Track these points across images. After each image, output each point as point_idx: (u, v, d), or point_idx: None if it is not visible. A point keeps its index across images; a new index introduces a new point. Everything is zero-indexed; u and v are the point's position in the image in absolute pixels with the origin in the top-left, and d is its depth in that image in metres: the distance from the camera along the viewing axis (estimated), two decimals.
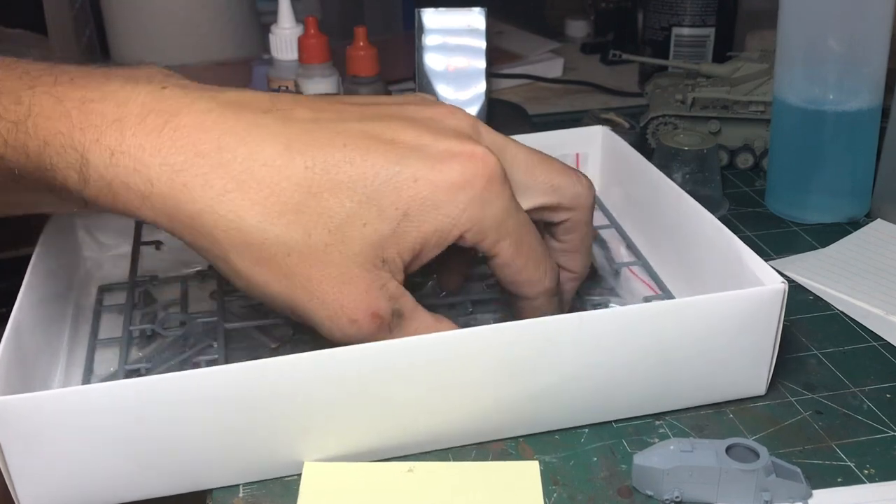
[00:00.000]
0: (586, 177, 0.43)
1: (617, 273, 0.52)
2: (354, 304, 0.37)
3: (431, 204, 0.37)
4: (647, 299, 0.49)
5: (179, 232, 0.36)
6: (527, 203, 0.41)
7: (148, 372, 0.44)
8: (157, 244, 0.55)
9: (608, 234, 0.55)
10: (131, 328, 0.48)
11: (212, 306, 0.51)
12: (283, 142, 0.36)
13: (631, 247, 0.54)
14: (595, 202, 0.44)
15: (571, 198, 0.42)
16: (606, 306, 0.50)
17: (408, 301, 0.39)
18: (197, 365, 0.45)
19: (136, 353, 0.48)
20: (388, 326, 0.38)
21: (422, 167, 0.37)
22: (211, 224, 0.35)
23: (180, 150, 0.35)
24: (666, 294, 0.49)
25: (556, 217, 0.43)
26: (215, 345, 0.47)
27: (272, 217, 0.35)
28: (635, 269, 0.52)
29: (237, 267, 0.36)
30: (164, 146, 0.35)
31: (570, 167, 0.43)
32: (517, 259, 0.40)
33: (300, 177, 0.35)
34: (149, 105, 0.35)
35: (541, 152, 0.42)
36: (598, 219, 0.56)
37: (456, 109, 0.41)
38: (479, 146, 0.38)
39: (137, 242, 0.54)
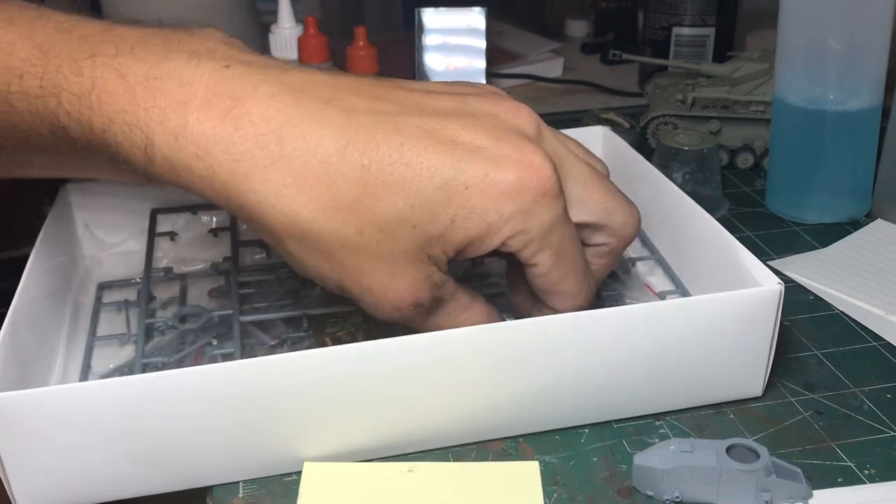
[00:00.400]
0: (637, 210, 0.43)
1: (632, 265, 0.52)
2: (399, 294, 0.38)
3: (480, 212, 0.37)
4: (661, 295, 0.49)
5: (238, 215, 0.37)
6: (574, 217, 0.41)
7: (165, 366, 0.44)
8: (172, 235, 0.55)
9: None
10: (147, 321, 0.48)
11: (210, 304, 0.51)
12: (342, 138, 0.36)
13: (646, 242, 0.53)
14: (636, 234, 0.43)
15: (620, 225, 0.42)
16: (623, 302, 0.50)
17: (449, 286, 0.40)
18: (214, 359, 0.45)
19: (129, 350, 0.47)
20: (426, 312, 0.39)
21: (475, 174, 0.37)
22: (269, 215, 0.36)
23: (242, 138, 0.35)
24: (682, 290, 0.49)
25: (596, 239, 0.42)
26: (215, 342, 0.47)
27: (328, 213, 0.36)
28: (642, 269, 0.52)
29: (292, 252, 0.38)
30: (227, 134, 0.35)
31: (624, 195, 0.43)
32: (555, 271, 0.40)
33: (356, 175, 0.36)
34: (213, 87, 0.36)
35: (598, 171, 0.42)
36: None
37: (521, 107, 0.40)
38: (537, 154, 0.38)
39: (153, 235, 0.54)
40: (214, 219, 0.56)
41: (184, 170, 0.36)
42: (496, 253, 0.39)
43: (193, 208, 0.56)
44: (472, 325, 0.40)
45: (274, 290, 0.52)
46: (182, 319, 0.48)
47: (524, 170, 0.37)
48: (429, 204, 0.37)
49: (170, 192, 0.56)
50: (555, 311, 0.42)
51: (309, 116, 0.36)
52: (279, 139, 0.36)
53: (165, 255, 0.55)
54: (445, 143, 0.37)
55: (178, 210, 0.56)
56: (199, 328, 0.48)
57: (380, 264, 0.37)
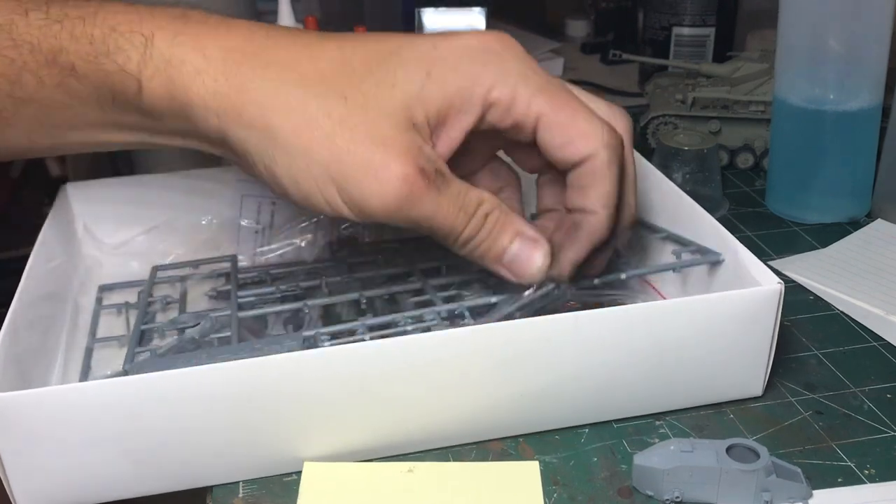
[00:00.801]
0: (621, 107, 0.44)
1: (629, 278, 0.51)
2: (399, 161, 0.38)
3: (451, 65, 0.39)
4: (676, 268, 0.47)
5: (225, 111, 0.38)
6: None
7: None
8: (172, 280, 0.54)
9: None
10: (143, 326, 0.47)
11: (209, 305, 0.51)
12: (319, 37, 0.40)
13: (646, 256, 0.53)
14: (633, 131, 0.43)
15: (605, 115, 0.42)
16: (624, 302, 0.49)
17: (444, 164, 0.40)
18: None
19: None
20: (436, 186, 0.38)
21: (440, 39, 0.40)
22: (257, 94, 0.38)
23: (234, 37, 0.39)
24: (703, 250, 0.46)
25: None
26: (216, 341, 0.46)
27: (311, 84, 0.38)
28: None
29: (280, 136, 0.38)
30: (221, 34, 0.39)
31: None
32: (560, 113, 0.40)
33: (334, 54, 0.39)
34: (210, 13, 0.40)
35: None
36: None
37: None
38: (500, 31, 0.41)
39: (150, 288, 0.53)
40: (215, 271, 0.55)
41: (178, 64, 0.37)
42: (495, 142, 0.41)
43: (195, 263, 0.55)
44: (485, 196, 0.40)
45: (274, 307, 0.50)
46: (181, 331, 0.47)
47: (483, 34, 0.40)
48: (402, 64, 0.39)
49: (168, 207, 0.55)
50: (587, 160, 0.40)
51: (290, 32, 0.41)
52: (266, 37, 0.39)
53: (164, 258, 0.55)
54: (410, 36, 0.41)
55: (180, 266, 0.55)
56: (179, 341, 0.47)
57: (369, 130, 0.38)
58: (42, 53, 0.38)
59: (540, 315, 0.40)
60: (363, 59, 0.39)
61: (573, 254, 0.41)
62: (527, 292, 0.42)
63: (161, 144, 0.41)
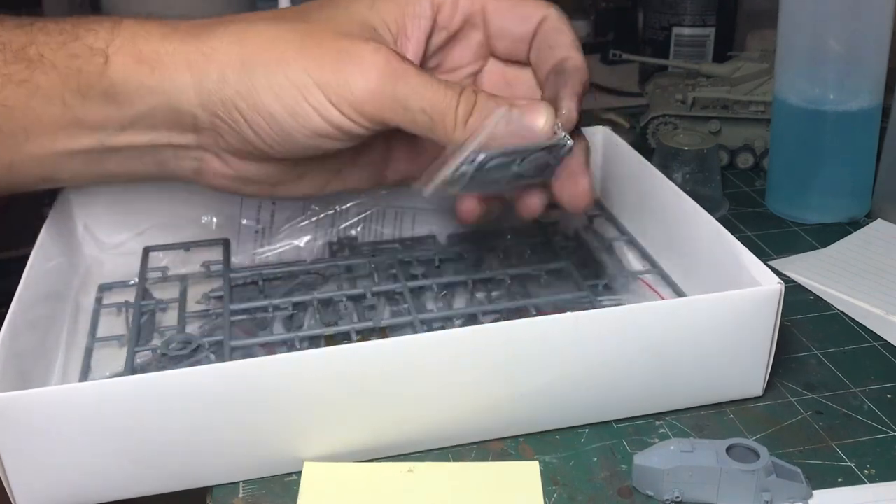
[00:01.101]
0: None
1: (628, 279, 0.51)
2: (377, 53, 0.39)
3: None
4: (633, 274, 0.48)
5: (195, 61, 0.39)
6: None
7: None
8: (164, 270, 0.54)
9: (617, 244, 0.55)
10: (136, 350, 0.46)
11: (208, 305, 0.51)
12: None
13: (646, 256, 0.53)
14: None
15: None
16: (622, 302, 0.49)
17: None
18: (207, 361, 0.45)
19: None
20: (415, 67, 0.39)
21: None
22: (225, 34, 0.39)
23: (202, 22, 0.41)
24: (658, 269, 0.49)
25: None
26: (213, 357, 0.46)
27: (276, 20, 0.41)
28: (647, 277, 0.52)
29: (255, 58, 0.39)
30: (184, 20, 0.41)
31: None
32: None
33: (294, 8, 0.42)
34: None
35: None
36: (609, 230, 0.56)
37: None
38: None
39: (143, 273, 0.53)
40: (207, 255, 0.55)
41: (146, 35, 0.39)
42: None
43: (187, 245, 0.55)
44: (465, 83, 0.43)
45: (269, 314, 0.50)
46: (171, 345, 0.46)
47: None
48: None
49: (167, 206, 0.55)
50: (544, 20, 0.44)
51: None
52: (231, 17, 0.41)
53: (158, 261, 0.55)
54: None
55: (172, 248, 0.55)
56: (191, 352, 0.46)
57: (336, 34, 0.39)
58: (11, 51, 0.39)
59: (546, 168, 0.41)
60: (316, 4, 0.42)
61: (571, 91, 0.41)
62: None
63: (123, 147, 0.41)
